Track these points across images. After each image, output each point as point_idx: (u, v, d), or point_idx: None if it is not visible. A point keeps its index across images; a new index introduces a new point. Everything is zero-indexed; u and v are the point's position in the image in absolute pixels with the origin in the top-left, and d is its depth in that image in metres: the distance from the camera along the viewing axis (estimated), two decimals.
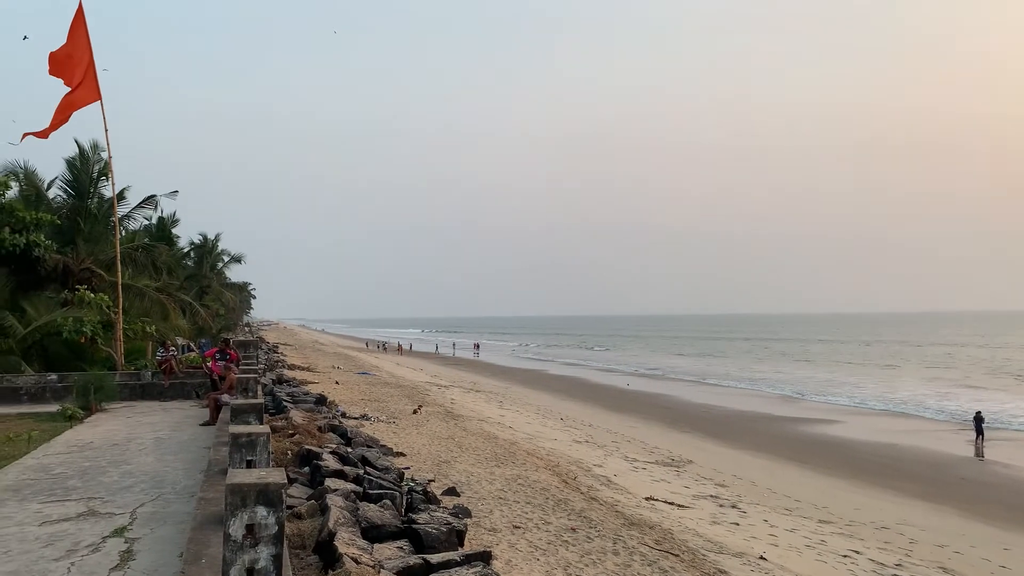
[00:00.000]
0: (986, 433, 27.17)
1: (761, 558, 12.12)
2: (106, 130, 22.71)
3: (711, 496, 16.98)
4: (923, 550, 14.10)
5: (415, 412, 24.61)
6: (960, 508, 18.03)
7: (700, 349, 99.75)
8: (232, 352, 18.51)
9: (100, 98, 21.88)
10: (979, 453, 25.67)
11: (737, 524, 14.51)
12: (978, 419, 27.33)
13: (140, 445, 12.94)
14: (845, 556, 13.06)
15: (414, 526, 8.64)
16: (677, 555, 11.04)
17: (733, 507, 16.04)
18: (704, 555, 11.51)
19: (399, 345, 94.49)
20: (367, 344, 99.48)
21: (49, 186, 28.69)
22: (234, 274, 68.88)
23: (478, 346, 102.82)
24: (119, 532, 7.75)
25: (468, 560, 7.83)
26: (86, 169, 28.33)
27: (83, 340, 23.19)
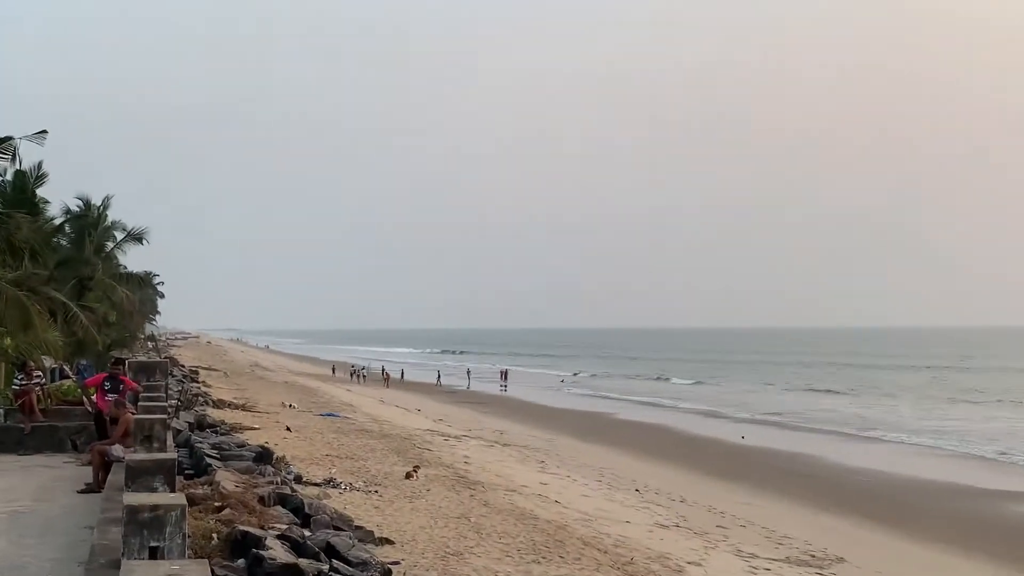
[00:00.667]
0: None
1: None
2: None
3: None
4: None
5: (409, 476, 24.70)
6: None
7: (840, 381, 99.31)
8: (128, 380, 18.74)
9: None
10: None
11: None
12: None
13: None
14: None
15: None
16: None
17: None
18: None
19: (384, 372, 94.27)
20: (334, 370, 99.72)
21: None
22: (132, 260, 69.15)
23: (505, 375, 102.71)
24: None
25: None
26: None
27: None
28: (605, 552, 18.40)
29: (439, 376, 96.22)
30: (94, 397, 21.65)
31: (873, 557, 22.18)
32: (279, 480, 19.33)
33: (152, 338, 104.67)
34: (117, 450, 15.05)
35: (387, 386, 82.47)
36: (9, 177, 35.36)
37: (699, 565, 19.00)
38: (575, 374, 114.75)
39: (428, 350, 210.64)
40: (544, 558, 16.79)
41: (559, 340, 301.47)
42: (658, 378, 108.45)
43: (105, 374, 19.65)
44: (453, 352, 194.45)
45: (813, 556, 21.65)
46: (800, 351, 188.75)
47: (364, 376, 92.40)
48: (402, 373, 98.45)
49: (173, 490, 9.25)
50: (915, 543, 24.53)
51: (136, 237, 53.51)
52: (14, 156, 30.74)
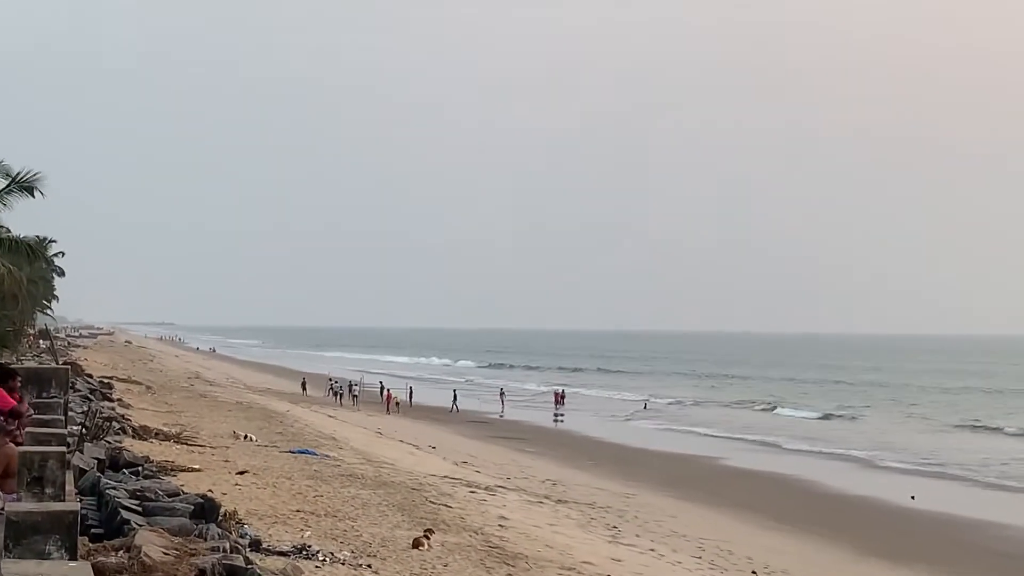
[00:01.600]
0: None
1: None
2: None
3: None
4: None
5: (418, 545, 24.67)
6: None
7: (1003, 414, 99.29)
8: (5, 395, 18.82)
9: None
10: None
11: None
12: None
13: None
14: None
15: None
16: None
17: None
18: None
19: (385, 393, 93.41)
20: (304, 386, 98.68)
21: None
22: (19, 220, 69.39)
23: (562, 399, 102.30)
24: None
25: None
26: None
27: None
28: None
29: (454, 399, 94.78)
30: None
31: None
32: (228, 546, 19.31)
33: (46, 334, 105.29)
34: None
35: (388, 412, 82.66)
36: None
37: None
38: (645, 402, 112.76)
39: (437, 358, 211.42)
40: None
41: (612, 347, 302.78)
42: (770, 407, 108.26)
43: (5, 393, 19.60)
44: (481, 365, 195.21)
45: None
46: (932, 365, 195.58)
47: (355, 396, 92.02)
48: (410, 393, 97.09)
49: (75, 557, 9.28)
50: None
51: (25, 186, 53.19)
52: None
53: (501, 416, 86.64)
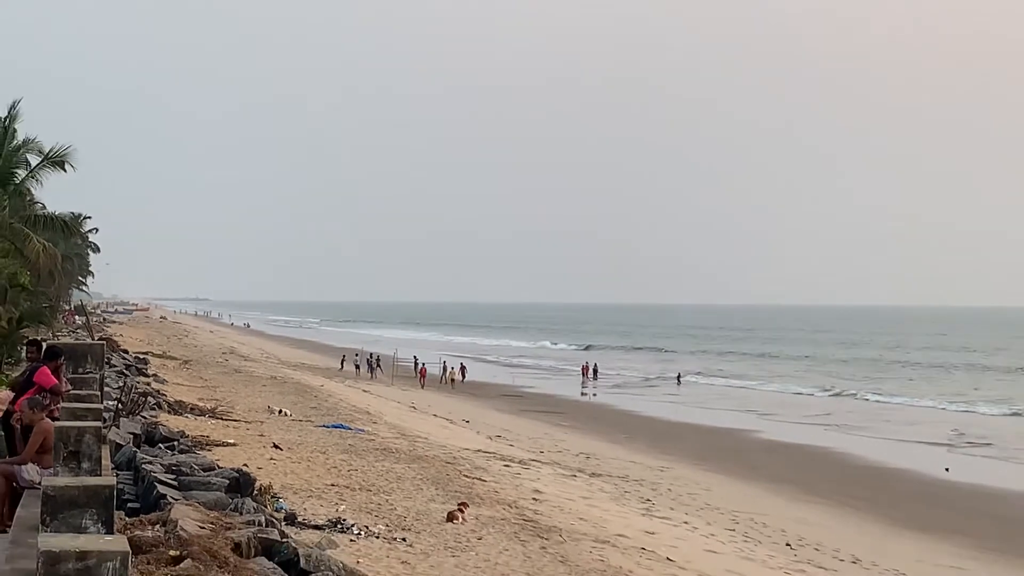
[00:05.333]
0: None
1: None
2: None
3: None
4: None
5: (452, 518, 24.65)
6: None
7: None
8: (46, 371, 18.85)
9: None
10: None
11: None
12: None
13: None
14: None
15: None
16: None
17: None
18: None
19: (421, 369, 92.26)
20: (344, 362, 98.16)
21: None
22: (54, 196, 69.59)
23: (593, 372, 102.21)
24: None
25: None
26: None
27: None
28: None
29: (464, 371, 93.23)
30: (2, 393, 21.85)
31: None
32: (263, 520, 19.33)
33: (82, 310, 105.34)
34: (30, 472, 15.15)
35: (422, 387, 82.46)
36: None
37: None
38: (679, 378, 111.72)
39: (465, 336, 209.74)
40: None
41: (633, 319, 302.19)
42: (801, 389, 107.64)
43: (48, 370, 19.55)
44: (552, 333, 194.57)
45: None
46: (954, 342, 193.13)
47: (374, 370, 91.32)
48: (463, 370, 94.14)
49: (111, 531, 9.28)
50: None
51: (56, 160, 53.11)
52: None
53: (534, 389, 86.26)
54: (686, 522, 30.63)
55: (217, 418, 41.24)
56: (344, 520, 22.96)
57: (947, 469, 48.78)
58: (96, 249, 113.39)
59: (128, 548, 7.38)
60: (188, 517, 16.93)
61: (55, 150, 53.39)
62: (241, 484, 22.45)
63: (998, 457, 54.15)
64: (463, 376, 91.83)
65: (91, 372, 21.45)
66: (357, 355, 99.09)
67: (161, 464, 23.24)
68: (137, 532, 15.53)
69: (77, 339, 57.55)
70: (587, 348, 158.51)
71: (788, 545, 29.11)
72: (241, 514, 19.12)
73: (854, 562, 27.70)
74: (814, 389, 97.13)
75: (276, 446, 34.14)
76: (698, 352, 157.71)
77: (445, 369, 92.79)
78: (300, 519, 22.18)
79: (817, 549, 28.87)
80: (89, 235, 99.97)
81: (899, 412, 78.18)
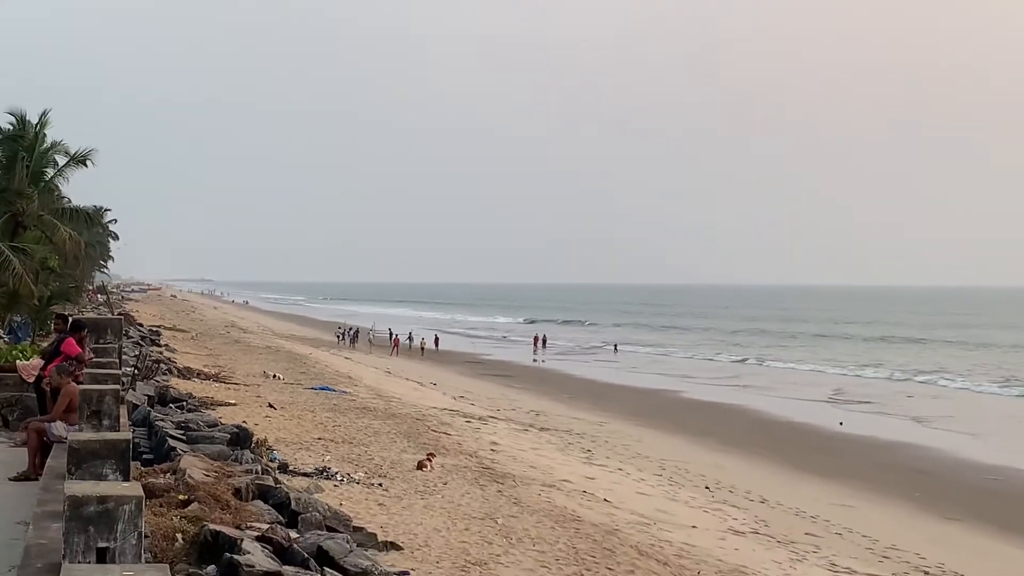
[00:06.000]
0: None
1: None
2: None
3: None
4: None
5: (422, 466, 24.70)
6: None
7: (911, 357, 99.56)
8: (72, 342, 18.71)
9: None
10: None
11: None
12: None
13: None
14: None
15: None
16: None
17: None
18: None
19: (395, 339, 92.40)
20: (342, 335, 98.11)
21: None
22: (79, 191, 69.13)
23: (543, 342, 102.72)
24: None
25: None
26: None
27: None
28: (665, 564, 18.41)
29: (437, 340, 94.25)
30: (34, 360, 21.64)
31: (1002, 574, 22.15)
32: (260, 468, 19.30)
33: (103, 290, 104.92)
34: (58, 428, 15.08)
35: (396, 353, 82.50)
36: None
37: None
38: (615, 347, 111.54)
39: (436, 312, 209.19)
40: (589, 570, 16.79)
41: (573, 297, 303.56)
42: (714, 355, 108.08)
43: (73, 341, 19.44)
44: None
45: (926, 572, 21.67)
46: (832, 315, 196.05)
47: (353, 340, 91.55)
48: (436, 341, 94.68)
49: (128, 479, 9.21)
50: None
51: (80, 160, 53.01)
52: None
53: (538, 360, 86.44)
54: (620, 469, 30.72)
55: (220, 382, 41.20)
56: (329, 468, 22.96)
57: (840, 423, 49.13)
58: (115, 237, 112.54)
59: (142, 493, 7.32)
60: (195, 466, 16.87)
61: (79, 151, 53.49)
62: (240, 438, 22.40)
63: (879, 413, 54.59)
64: (436, 346, 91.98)
65: (111, 343, 21.29)
66: (339, 328, 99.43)
67: (172, 421, 23.21)
68: (151, 479, 15.47)
69: (99, 314, 57.09)
70: (532, 322, 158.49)
71: (707, 488, 29.23)
72: (241, 464, 19.09)
73: (762, 502, 27.82)
74: (725, 356, 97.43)
75: (271, 405, 34.11)
76: (631, 324, 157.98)
77: (411, 339, 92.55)
78: (291, 468, 22.15)
79: (731, 491, 28.98)
80: (109, 225, 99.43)
81: (795, 376, 78.78)
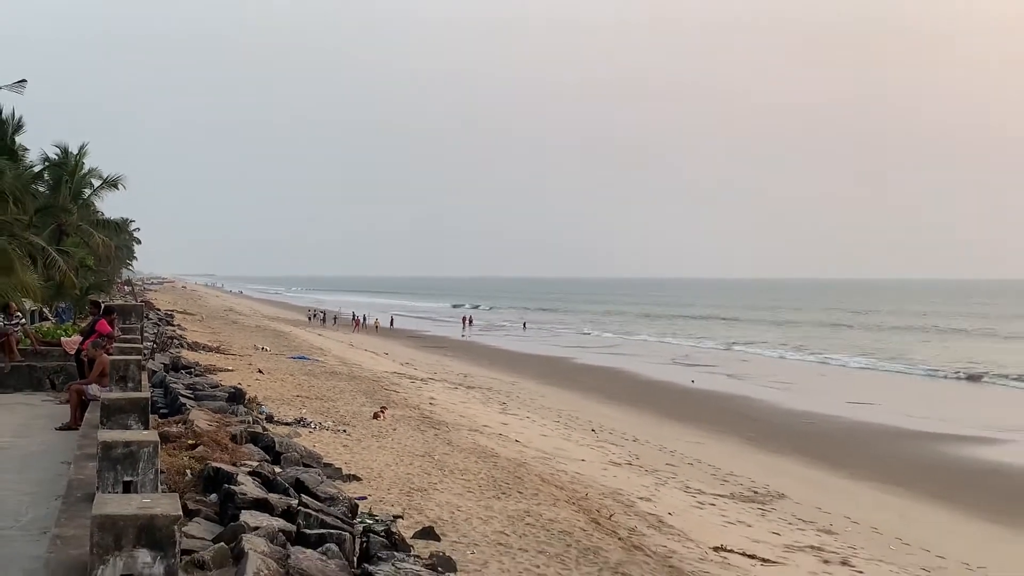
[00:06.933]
0: None
1: None
2: None
3: (812, 547, 17.09)
4: None
5: (376, 416, 24.74)
6: None
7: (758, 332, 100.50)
8: (104, 323, 18.60)
9: None
10: None
11: None
12: None
13: None
14: None
15: None
16: None
17: (843, 563, 16.17)
18: None
19: (356, 319, 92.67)
20: (315, 317, 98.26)
21: None
22: (109, 206, 68.67)
23: (470, 321, 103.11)
24: None
25: None
26: None
27: None
28: (561, 488, 18.54)
29: (392, 321, 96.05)
30: (74, 337, 21.65)
31: (812, 493, 22.50)
32: (251, 419, 19.28)
33: (128, 282, 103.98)
34: (93, 389, 15.01)
35: (358, 330, 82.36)
36: None
37: (649, 500, 19.21)
38: (524, 325, 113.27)
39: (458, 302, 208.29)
40: (504, 494, 16.89)
41: (500, 287, 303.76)
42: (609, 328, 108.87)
43: (90, 324, 19.34)
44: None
45: (756, 492, 21.95)
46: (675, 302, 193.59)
47: (323, 321, 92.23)
48: (391, 321, 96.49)
49: (147, 428, 9.20)
50: (854, 482, 24.88)
51: (111, 183, 53.14)
52: None
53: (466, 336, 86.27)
54: (528, 417, 30.86)
55: (220, 353, 40.92)
56: (305, 419, 22.92)
57: (692, 381, 49.60)
58: (138, 241, 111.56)
59: (158, 439, 7.36)
60: (200, 418, 16.82)
61: (110, 176, 53.54)
62: (236, 396, 22.30)
63: (723, 375, 55.09)
64: (391, 324, 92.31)
65: (134, 323, 21.19)
66: (312, 311, 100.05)
67: (182, 384, 23.10)
68: (166, 428, 15.41)
69: (125, 302, 56.50)
70: (457, 306, 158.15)
71: (593, 431, 29.39)
72: (236, 416, 19.06)
73: (634, 441, 28.06)
74: (602, 332, 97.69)
75: (259, 371, 33.98)
76: (541, 309, 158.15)
77: (365, 319, 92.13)
78: (275, 418, 22.09)
79: (611, 433, 29.19)
80: (133, 232, 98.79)
81: (656, 346, 79.49)
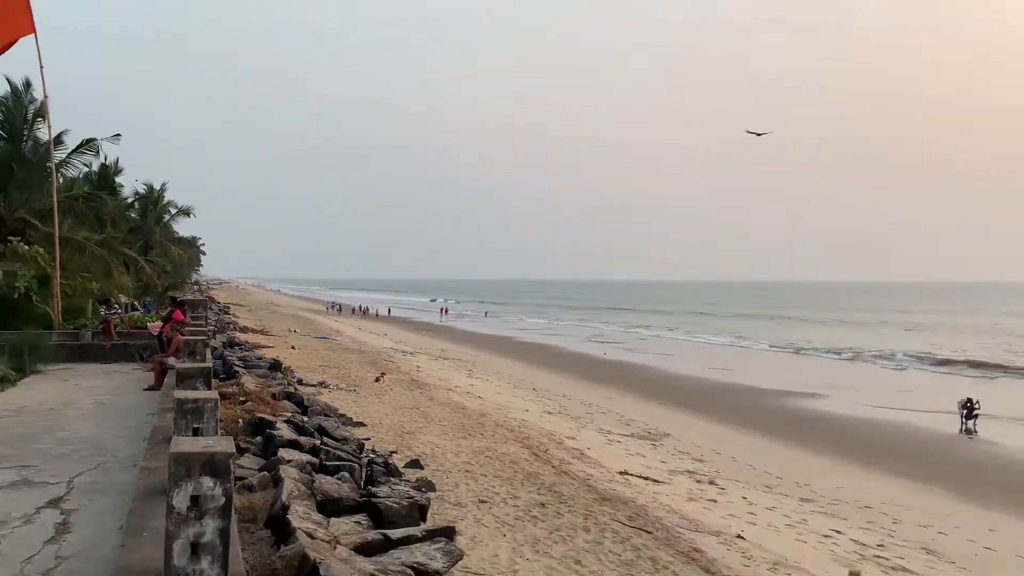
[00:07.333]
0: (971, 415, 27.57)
1: (739, 536, 12.36)
2: (41, 67, 22.18)
3: (688, 471, 17.23)
4: (907, 530, 14.46)
5: (377, 380, 24.63)
6: (947, 487, 18.49)
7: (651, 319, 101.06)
8: (179, 313, 18.36)
9: (35, 31, 21.29)
10: (969, 431, 26.28)
11: (715, 501, 14.77)
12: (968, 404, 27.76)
13: (78, 410, 12.83)
14: (826, 536, 13.36)
15: (373, 500, 8.68)
16: (651, 532, 11.22)
17: (711, 483, 16.30)
18: (679, 532, 11.71)
19: (361, 308, 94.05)
20: (336, 308, 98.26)
21: None
22: (183, 228, 68.10)
23: (444, 310, 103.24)
24: (54, 503, 7.69)
25: (431, 536, 7.89)
26: (19, 109, 27.65)
27: (16, 297, 22.82)
28: (511, 431, 18.56)
29: (389, 310, 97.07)
30: (157, 323, 21.49)
31: (688, 433, 22.71)
32: (286, 382, 19.12)
33: (197, 283, 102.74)
34: (171, 361, 14.84)
35: (363, 318, 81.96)
36: (95, 168, 34.73)
37: (574, 439, 19.28)
38: (486, 313, 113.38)
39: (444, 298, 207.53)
40: (470, 435, 16.88)
41: (477, 286, 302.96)
42: (546, 316, 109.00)
43: (169, 313, 19.08)
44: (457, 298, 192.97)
45: (649, 432, 22.11)
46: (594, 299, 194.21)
47: (339, 310, 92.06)
48: (389, 310, 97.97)
49: (209, 388, 9.08)
50: (719, 425, 25.13)
51: (185, 212, 53.26)
52: (97, 152, 30.00)
53: (441, 322, 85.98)
54: (488, 380, 30.81)
55: (263, 334, 40.47)
56: (326, 382, 22.74)
57: (604, 353, 49.82)
58: (204, 253, 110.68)
59: (218, 397, 7.27)
60: (249, 381, 16.63)
61: (185, 207, 53.48)
62: (275, 365, 22.13)
63: (625, 349, 55.42)
64: (389, 313, 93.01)
65: (200, 313, 20.86)
66: (329, 304, 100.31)
67: (236, 356, 22.83)
68: (223, 389, 15.25)
69: (194, 297, 56.20)
70: (434, 300, 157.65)
71: (533, 389, 29.38)
72: (275, 380, 18.85)
73: (563, 396, 28.10)
74: (537, 320, 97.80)
75: (292, 347, 33.68)
76: (494, 303, 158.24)
77: (367, 309, 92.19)
78: (304, 381, 21.91)
79: (546, 391, 29.21)
80: (200, 247, 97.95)
81: (577, 328, 79.72)
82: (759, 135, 36.27)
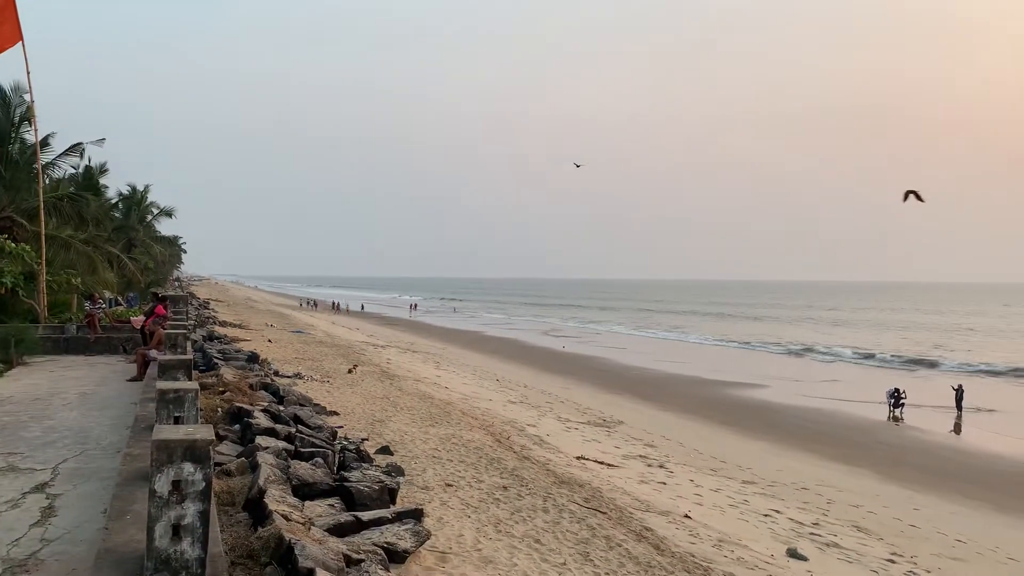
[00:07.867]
0: (903, 405, 28.13)
1: (686, 516, 12.49)
2: (28, 72, 21.71)
3: (640, 456, 17.36)
4: (839, 510, 14.73)
5: (350, 372, 24.45)
6: (876, 470, 18.86)
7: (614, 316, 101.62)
8: (161, 308, 18.06)
9: (22, 39, 20.80)
10: (896, 418, 26.81)
11: (664, 483, 14.90)
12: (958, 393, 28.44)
13: (63, 400, 12.58)
14: (766, 515, 13.55)
15: (346, 484, 8.63)
16: (605, 513, 11.29)
17: (661, 467, 16.44)
18: (631, 513, 11.80)
19: (335, 303, 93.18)
20: (312, 303, 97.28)
21: None
22: (164, 228, 67.10)
23: (413, 306, 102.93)
24: (40, 488, 7.55)
25: (400, 517, 7.87)
26: (6, 113, 27.04)
27: (3, 292, 22.32)
28: (476, 419, 18.54)
29: (362, 306, 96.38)
30: (138, 318, 21.14)
31: (642, 421, 22.87)
32: (263, 374, 18.90)
33: (178, 280, 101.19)
34: (153, 353, 14.63)
35: (336, 313, 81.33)
36: (80, 170, 34.21)
37: (534, 426, 19.31)
38: (455, 309, 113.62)
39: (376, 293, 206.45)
40: (437, 423, 16.83)
41: (441, 284, 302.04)
42: (513, 313, 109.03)
43: (151, 307, 18.78)
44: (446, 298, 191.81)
45: (604, 420, 22.23)
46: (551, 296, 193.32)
47: (314, 306, 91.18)
48: (361, 306, 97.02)
49: (190, 379, 8.96)
50: (668, 413, 25.35)
51: (167, 213, 52.58)
52: (82, 154, 29.57)
53: (410, 317, 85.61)
54: (454, 371, 30.73)
55: (241, 328, 40.02)
56: (300, 373, 22.50)
57: (563, 347, 50.00)
58: (184, 251, 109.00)
59: (198, 387, 7.17)
60: (228, 373, 16.41)
61: (166, 208, 52.90)
62: (253, 358, 21.80)
63: (585, 343, 55.68)
64: (362, 308, 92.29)
65: (181, 308, 20.57)
66: (302, 299, 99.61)
67: (215, 349, 22.50)
68: (203, 380, 15.00)
69: (175, 293, 55.53)
70: (403, 296, 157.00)
71: (497, 380, 29.35)
72: (253, 371, 18.61)
73: (524, 387, 28.14)
74: (498, 315, 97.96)
75: (269, 340, 33.30)
76: (459, 300, 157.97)
77: (339, 304, 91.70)
78: (280, 373, 21.66)
79: (508, 381, 29.24)
80: (181, 245, 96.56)
81: (536, 323, 79.95)
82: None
